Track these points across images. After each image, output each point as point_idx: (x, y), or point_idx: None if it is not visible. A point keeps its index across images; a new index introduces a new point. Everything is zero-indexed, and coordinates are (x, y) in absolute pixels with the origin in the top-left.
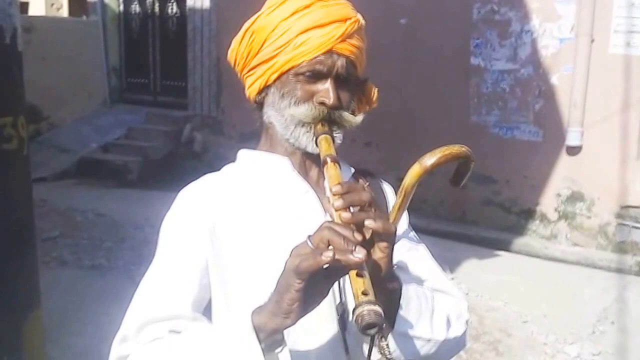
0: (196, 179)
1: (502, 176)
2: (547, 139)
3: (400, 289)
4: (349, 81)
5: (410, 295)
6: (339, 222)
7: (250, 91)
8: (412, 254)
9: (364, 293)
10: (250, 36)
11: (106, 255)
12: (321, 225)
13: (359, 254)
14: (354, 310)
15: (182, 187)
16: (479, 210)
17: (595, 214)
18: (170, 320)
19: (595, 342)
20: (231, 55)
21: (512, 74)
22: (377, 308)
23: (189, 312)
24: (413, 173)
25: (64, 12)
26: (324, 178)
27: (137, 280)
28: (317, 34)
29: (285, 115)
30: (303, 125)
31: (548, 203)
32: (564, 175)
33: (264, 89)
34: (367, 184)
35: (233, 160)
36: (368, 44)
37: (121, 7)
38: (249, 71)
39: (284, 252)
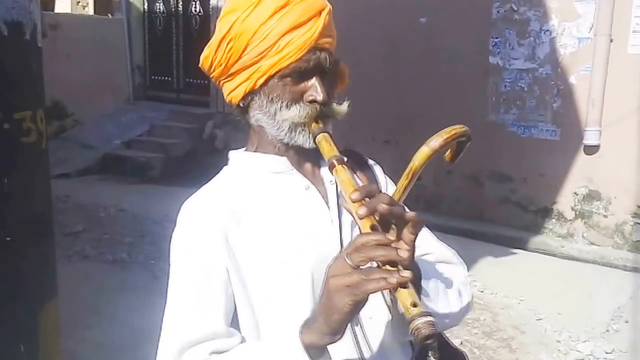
0: (216, 175)
1: (519, 174)
2: (564, 138)
3: (420, 275)
4: (330, 72)
5: (428, 277)
6: (366, 226)
7: (232, 97)
8: None
9: (414, 305)
10: (228, 43)
11: (127, 249)
12: (357, 242)
13: (406, 274)
14: (408, 323)
15: (203, 184)
16: (496, 209)
17: (612, 213)
18: (209, 340)
19: (608, 341)
20: (205, 62)
21: (531, 73)
22: (431, 319)
23: (224, 329)
24: (421, 155)
25: (90, 11)
26: (319, 169)
27: (157, 274)
28: (299, 34)
29: (277, 119)
30: (297, 126)
31: (565, 202)
32: (581, 174)
33: (249, 94)
34: (360, 167)
35: (226, 164)
36: (389, 43)
37: (145, 6)
38: (227, 77)
39: (296, 250)
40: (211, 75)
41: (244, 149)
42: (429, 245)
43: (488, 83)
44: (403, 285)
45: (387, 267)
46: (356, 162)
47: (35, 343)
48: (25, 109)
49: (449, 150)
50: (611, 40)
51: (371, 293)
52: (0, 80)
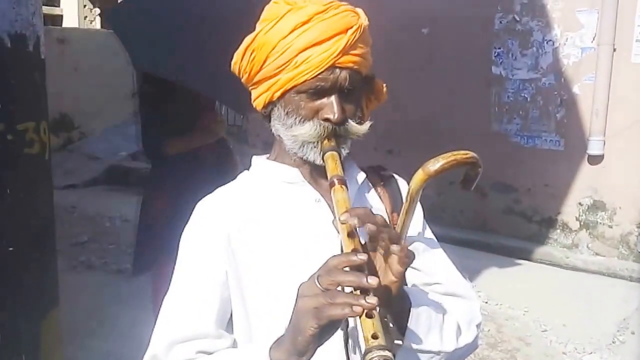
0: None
1: (523, 185)
2: (568, 148)
3: (410, 307)
4: (353, 90)
5: (419, 311)
6: (349, 247)
7: (256, 104)
8: (426, 255)
9: (374, 337)
10: (251, 54)
11: (132, 260)
12: (328, 264)
13: (371, 300)
14: (364, 354)
15: (206, 195)
16: (500, 219)
17: (617, 223)
18: (197, 339)
19: (615, 352)
20: (234, 67)
21: (534, 83)
22: (388, 354)
23: (214, 330)
24: (417, 179)
25: (97, 25)
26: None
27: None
28: (317, 52)
29: (291, 133)
30: (309, 143)
31: (569, 212)
32: (585, 185)
33: (269, 104)
34: (382, 183)
35: (248, 167)
36: (391, 53)
37: None
38: (252, 85)
39: (299, 262)
40: (241, 80)
41: (267, 155)
42: (442, 276)
43: (491, 93)
44: (369, 315)
45: (357, 292)
46: (380, 177)
47: (37, 352)
48: (29, 120)
49: (461, 178)
50: (614, 50)
51: (334, 319)
52: (3, 92)
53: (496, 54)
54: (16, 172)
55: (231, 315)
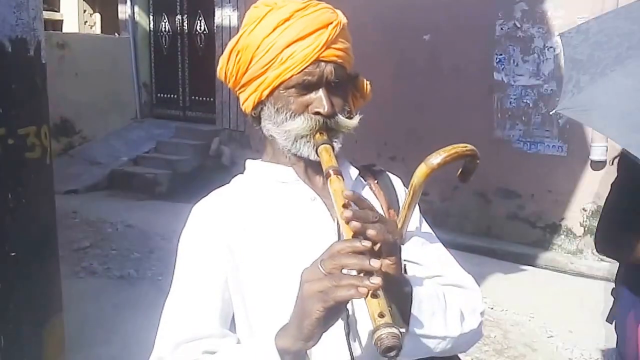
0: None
1: (526, 191)
2: (571, 153)
3: (411, 292)
4: (339, 84)
5: (421, 297)
6: (349, 234)
7: (245, 106)
8: (425, 248)
9: (380, 315)
10: (237, 56)
11: (135, 265)
12: (332, 249)
13: (375, 281)
14: (372, 333)
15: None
16: (504, 225)
17: None
18: (202, 339)
19: None
20: (220, 73)
21: (536, 90)
22: (395, 330)
23: (218, 329)
24: (420, 173)
25: (97, 30)
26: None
27: (164, 290)
28: (301, 46)
29: (283, 129)
30: (302, 137)
31: (573, 218)
32: (589, 190)
33: (259, 104)
34: (376, 181)
35: (242, 171)
36: (393, 60)
37: (151, 25)
38: (240, 88)
39: (297, 261)
40: (228, 86)
41: (260, 158)
42: (443, 268)
43: (493, 99)
44: (374, 295)
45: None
46: (375, 175)
47: (40, 358)
48: (30, 124)
49: (459, 170)
50: None
51: (340, 300)
52: (4, 96)
53: (498, 60)
54: (17, 176)
55: (233, 316)
